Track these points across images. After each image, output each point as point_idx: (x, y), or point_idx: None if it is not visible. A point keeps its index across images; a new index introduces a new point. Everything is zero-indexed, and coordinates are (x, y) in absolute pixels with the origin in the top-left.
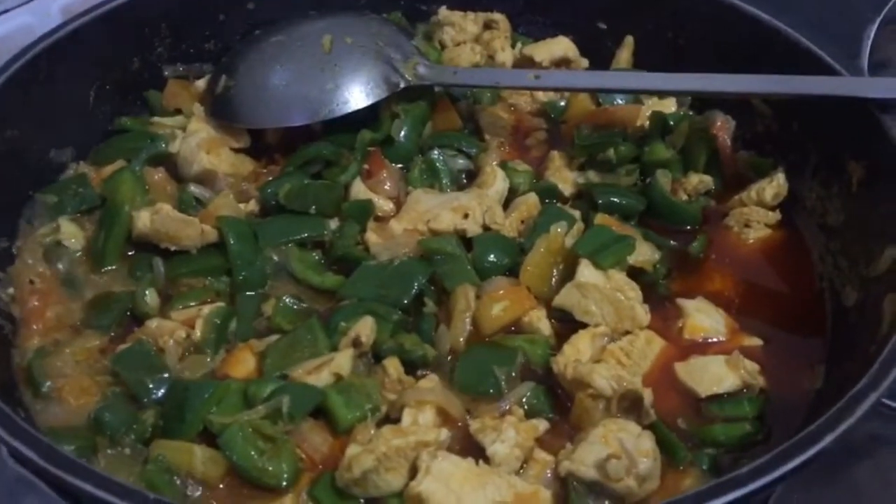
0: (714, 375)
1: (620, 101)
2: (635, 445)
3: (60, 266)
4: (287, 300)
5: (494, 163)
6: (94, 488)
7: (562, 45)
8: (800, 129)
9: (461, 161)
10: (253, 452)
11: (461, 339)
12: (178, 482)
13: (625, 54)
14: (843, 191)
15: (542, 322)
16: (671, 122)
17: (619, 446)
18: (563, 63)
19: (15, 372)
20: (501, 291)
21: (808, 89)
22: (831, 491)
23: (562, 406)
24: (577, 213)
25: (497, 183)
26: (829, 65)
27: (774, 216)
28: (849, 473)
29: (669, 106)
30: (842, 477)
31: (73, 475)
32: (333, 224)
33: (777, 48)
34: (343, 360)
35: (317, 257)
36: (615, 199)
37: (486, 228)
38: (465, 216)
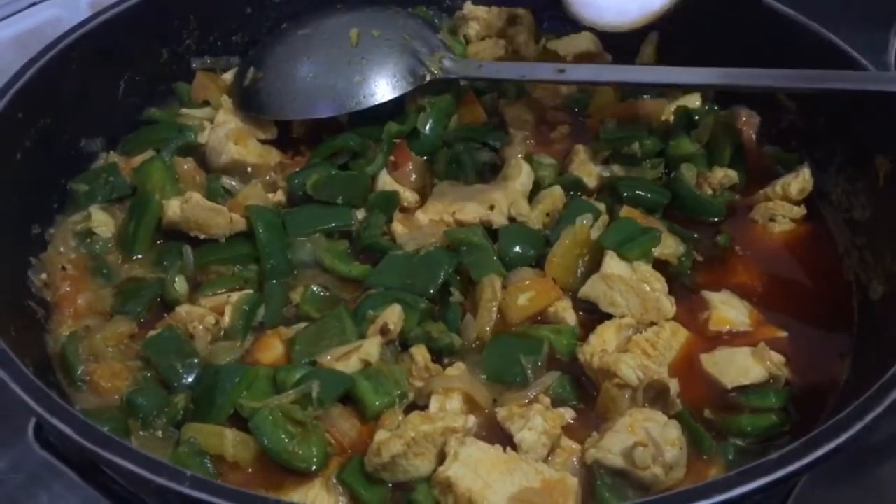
0: (740, 367)
1: (645, 96)
2: (662, 434)
3: (91, 253)
4: (315, 288)
5: (519, 156)
6: (132, 464)
7: (585, 40)
8: (825, 123)
9: (486, 154)
10: (283, 436)
11: (487, 329)
12: (208, 465)
13: (648, 50)
14: (869, 185)
15: (567, 312)
16: (696, 117)
17: (645, 435)
18: (586, 58)
19: (50, 357)
20: (527, 282)
21: (833, 84)
22: (854, 488)
23: (587, 395)
24: (601, 206)
25: (522, 176)
26: (855, 60)
27: (800, 211)
28: (872, 472)
29: (694, 101)
30: (865, 475)
31: (111, 451)
32: (360, 214)
33: (802, 43)
34: (371, 348)
35: (344, 247)
36: (640, 193)
37: (511, 220)
38: (491, 208)
